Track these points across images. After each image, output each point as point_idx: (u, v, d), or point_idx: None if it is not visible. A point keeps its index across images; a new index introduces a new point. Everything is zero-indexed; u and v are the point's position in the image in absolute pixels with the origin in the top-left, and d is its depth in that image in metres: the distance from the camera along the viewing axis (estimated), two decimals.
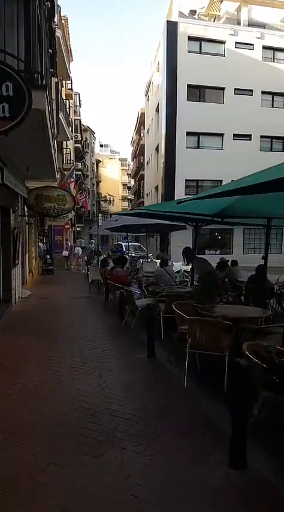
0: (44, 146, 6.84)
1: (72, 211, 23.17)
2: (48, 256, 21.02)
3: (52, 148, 8.24)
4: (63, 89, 26.76)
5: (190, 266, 16.33)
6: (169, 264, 18.20)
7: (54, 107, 11.97)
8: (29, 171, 9.77)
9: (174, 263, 17.41)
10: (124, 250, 23.79)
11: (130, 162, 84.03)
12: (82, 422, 3.70)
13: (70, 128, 26.23)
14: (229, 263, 12.39)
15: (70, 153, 27.70)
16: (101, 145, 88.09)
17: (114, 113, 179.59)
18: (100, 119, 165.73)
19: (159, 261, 10.94)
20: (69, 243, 23.16)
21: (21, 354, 6.01)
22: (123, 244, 25.07)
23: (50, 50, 6.55)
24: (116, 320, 8.40)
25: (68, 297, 12.09)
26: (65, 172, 22.43)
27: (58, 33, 17.36)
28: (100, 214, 14.04)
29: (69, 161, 26.86)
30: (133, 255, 21.92)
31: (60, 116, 17.55)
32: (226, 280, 11.19)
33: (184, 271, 15.09)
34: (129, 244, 24.43)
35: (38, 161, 8.44)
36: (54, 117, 12.41)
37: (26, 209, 12.36)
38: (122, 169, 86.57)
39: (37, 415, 3.88)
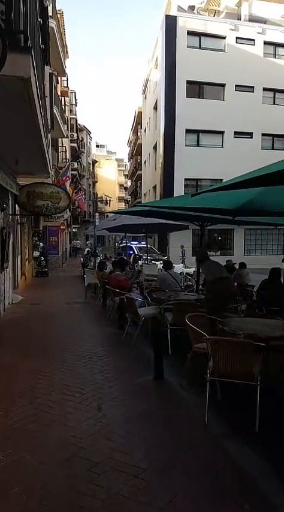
0: (33, 132, 5.92)
1: (68, 211, 22.29)
2: (43, 258, 20.07)
3: (43, 137, 7.32)
4: (59, 85, 25.88)
5: (193, 269, 15.51)
6: None
7: (47, 94, 11.06)
8: (19, 165, 8.85)
9: (175, 265, 16.55)
10: (135, 251, 21.91)
11: (126, 163, 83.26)
12: (76, 482, 2.78)
13: (65, 126, 25.35)
14: (237, 266, 11.50)
15: (65, 151, 26.76)
16: (97, 146, 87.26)
17: (111, 113, 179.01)
18: (97, 119, 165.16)
19: (161, 263, 10.05)
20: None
21: (4, 376, 5.07)
22: (133, 245, 23.17)
23: (39, 19, 5.64)
24: (115, 330, 7.48)
25: (62, 303, 11.16)
26: (61, 170, 21.52)
27: (52, 23, 16.48)
28: (97, 214, 13.13)
29: (64, 160, 25.94)
30: (149, 258, 19.63)
31: (54, 111, 16.66)
32: (235, 284, 10.31)
33: (187, 273, 14.21)
34: (129, 244, 22.63)
35: (28, 151, 7.52)
36: (47, 103, 11.49)
37: (17, 208, 11.43)
38: (119, 170, 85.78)
39: (16, 470, 2.96)
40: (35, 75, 4.11)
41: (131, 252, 21.72)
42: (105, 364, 5.38)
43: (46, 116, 10.27)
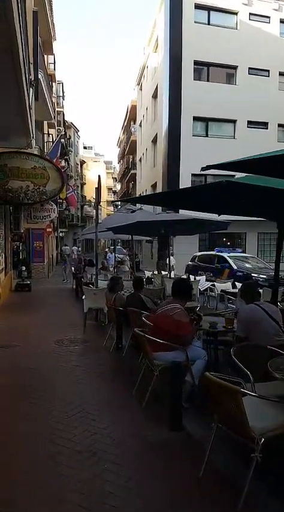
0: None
1: (55, 211, 18.36)
2: (24, 268, 16.02)
3: (23, 69, 3.50)
4: (45, 62, 22.04)
5: (229, 283, 11.67)
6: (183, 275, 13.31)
7: (30, 37, 7.18)
8: None
9: (197, 277, 12.67)
10: (232, 266, 13.46)
11: (115, 165, 79.77)
12: None
13: (52, 112, 21.45)
14: None
15: (53, 140, 22.79)
16: (85, 147, 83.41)
17: (98, 116, 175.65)
18: (84, 121, 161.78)
19: (240, 288, 6.18)
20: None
21: None
22: (225, 255, 14.39)
23: None
24: (166, 434, 3.58)
25: (49, 341, 7.17)
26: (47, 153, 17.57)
27: None
28: (101, 204, 9.18)
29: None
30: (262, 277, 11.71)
31: (39, 76, 12.77)
32: None
33: (222, 291, 10.33)
34: (218, 253, 14.81)
35: None
36: (29, 44, 7.61)
37: None
38: (107, 173, 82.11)
39: None
40: None
41: (226, 267, 13.73)
42: None
43: (27, 53, 6.39)
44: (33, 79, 9.34)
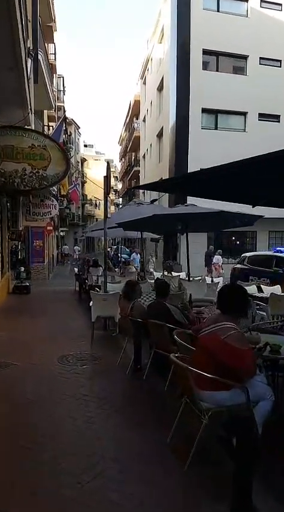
0: None
1: (56, 207, 17.19)
2: (23, 268, 14.79)
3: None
4: (45, 46, 20.85)
5: (253, 285, 10.40)
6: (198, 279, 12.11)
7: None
8: None
9: (214, 279, 11.46)
10: None
11: (116, 164, 78.57)
12: None
13: (53, 99, 20.25)
14: None
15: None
16: (85, 146, 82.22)
17: (98, 116, 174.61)
18: (84, 121, 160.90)
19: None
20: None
21: None
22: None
23: None
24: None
25: (51, 358, 5.94)
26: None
27: None
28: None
29: None
30: None
31: (39, 57, 11.56)
32: None
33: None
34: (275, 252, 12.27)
35: None
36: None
37: None
38: None
39: None
40: None
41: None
42: None
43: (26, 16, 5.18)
44: (31, 48, 8.14)
